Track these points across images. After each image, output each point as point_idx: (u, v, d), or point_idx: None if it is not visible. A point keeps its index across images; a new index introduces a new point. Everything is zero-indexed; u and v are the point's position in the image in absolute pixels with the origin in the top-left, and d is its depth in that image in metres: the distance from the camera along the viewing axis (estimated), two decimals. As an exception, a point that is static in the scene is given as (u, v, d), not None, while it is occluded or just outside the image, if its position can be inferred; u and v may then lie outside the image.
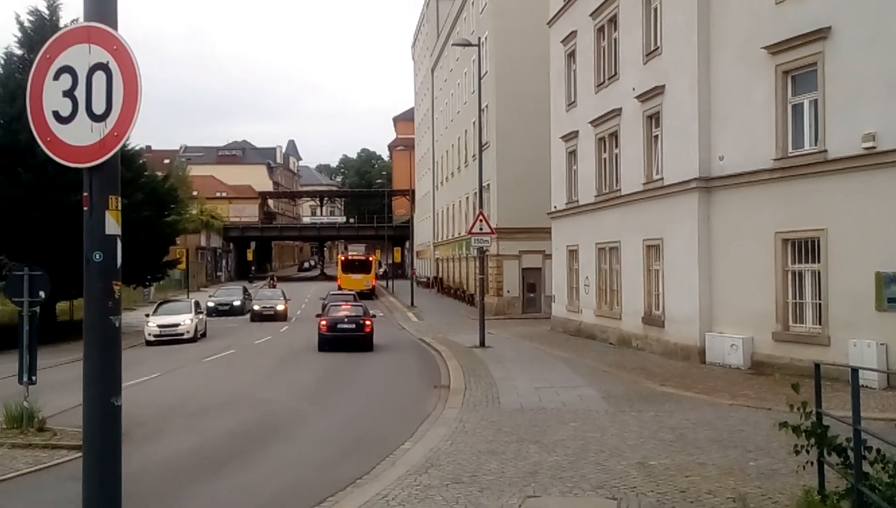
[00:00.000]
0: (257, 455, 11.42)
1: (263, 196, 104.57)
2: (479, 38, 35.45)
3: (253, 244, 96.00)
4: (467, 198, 48.19)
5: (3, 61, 33.25)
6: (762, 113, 17.93)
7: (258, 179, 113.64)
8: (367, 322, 25.89)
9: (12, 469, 10.47)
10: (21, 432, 11.91)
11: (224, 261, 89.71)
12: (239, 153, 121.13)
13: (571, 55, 29.37)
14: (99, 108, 3.73)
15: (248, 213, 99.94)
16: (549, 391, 16.20)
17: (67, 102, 3.76)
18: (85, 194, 3.83)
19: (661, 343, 21.72)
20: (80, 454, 10.62)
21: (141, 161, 37.92)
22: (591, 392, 16.04)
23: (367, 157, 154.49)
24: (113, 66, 3.72)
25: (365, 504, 8.44)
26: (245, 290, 48.38)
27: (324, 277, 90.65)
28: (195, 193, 78.68)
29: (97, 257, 3.76)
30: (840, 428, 6.48)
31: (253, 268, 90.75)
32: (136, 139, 37.11)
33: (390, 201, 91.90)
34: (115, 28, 3.81)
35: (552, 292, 32.71)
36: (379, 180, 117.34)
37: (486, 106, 37.35)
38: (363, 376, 20.53)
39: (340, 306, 27.98)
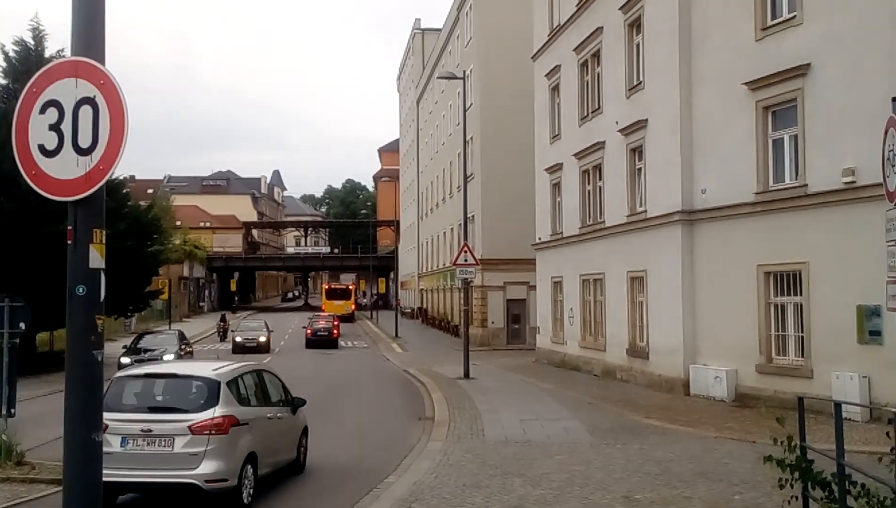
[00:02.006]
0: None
1: (247, 226, 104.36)
2: (465, 71, 35.74)
3: (236, 275, 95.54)
4: (452, 229, 48.35)
5: (-13, 91, 33.13)
6: (743, 147, 18.15)
7: (242, 209, 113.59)
8: (335, 330, 43.12)
9: (-12, 503, 10.30)
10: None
11: (207, 291, 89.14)
12: (223, 183, 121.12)
13: (555, 89, 29.69)
14: (85, 141, 3.74)
15: (231, 243, 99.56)
16: (534, 424, 16.15)
17: (53, 136, 3.77)
18: (69, 227, 3.82)
19: (646, 375, 21.73)
20: (59, 488, 10.51)
21: (125, 191, 37.79)
22: (575, 425, 15.99)
23: (352, 187, 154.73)
24: (100, 100, 3.73)
25: (348, 540, 8.34)
26: (182, 337, 32.23)
27: (307, 307, 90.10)
28: (179, 222, 78.41)
29: (80, 290, 3.75)
30: (824, 462, 6.50)
31: (236, 298, 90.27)
32: (120, 169, 36.68)
33: (375, 232, 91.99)
34: (103, 62, 3.82)
35: (537, 324, 32.72)
36: (364, 211, 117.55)
37: (471, 138, 37.64)
38: (348, 407, 20.39)
39: (319, 320, 44.87)
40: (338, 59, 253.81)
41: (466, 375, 24.80)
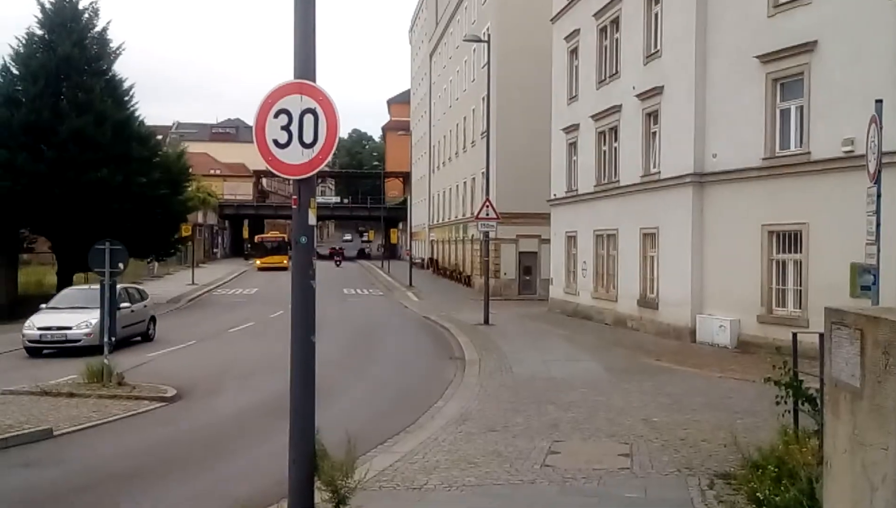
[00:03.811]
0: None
1: (258, 174, 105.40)
2: (488, 34, 36.91)
3: (246, 222, 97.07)
4: (465, 183, 49.80)
5: (24, 42, 34.30)
6: (753, 116, 19.69)
7: (252, 157, 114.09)
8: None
9: (110, 414, 12.22)
10: (103, 385, 13.61)
11: (220, 238, 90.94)
12: (232, 131, 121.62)
13: (574, 52, 31.01)
14: (308, 139, 5.42)
15: (242, 191, 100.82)
16: (556, 364, 18.02)
17: (285, 134, 5.44)
18: (294, 196, 5.50)
19: (655, 324, 23.59)
20: (162, 403, 12.42)
21: (156, 139, 39.07)
22: (593, 365, 17.86)
23: (359, 137, 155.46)
24: (318, 111, 5.40)
25: (421, 444, 10.24)
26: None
27: (317, 256, 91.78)
28: (191, 169, 79.71)
29: (303, 240, 5.46)
30: (812, 385, 8.28)
31: (248, 245, 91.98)
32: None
33: (384, 183, 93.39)
34: (315, 80, 5.49)
35: (550, 275, 34.50)
36: (374, 162, 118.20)
37: (486, 96, 38.94)
38: (383, 348, 22.24)
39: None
40: (346, 9, 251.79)
41: (486, 321, 26.66)
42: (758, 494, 6.83)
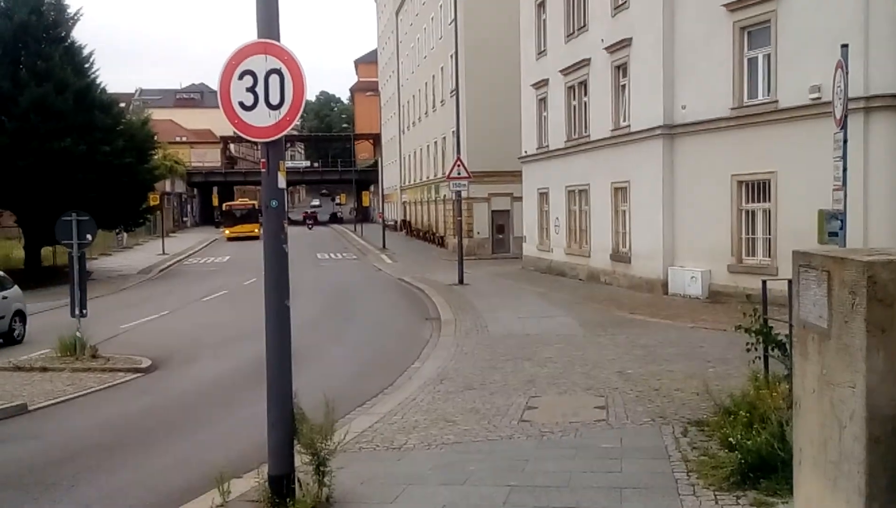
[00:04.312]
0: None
1: (225, 141, 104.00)
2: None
3: (215, 189, 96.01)
4: (436, 142, 49.57)
5: (-20, 10, 33.34)
6: (721, 66, 19.71)
7: (218, 122, 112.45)
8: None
9: (86, 387, 12.15)
10: (76, 359, 13.51)
11: (189, 206, 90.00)
12: (197, 96, 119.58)
13: (541, 5, 30.75)
14: (274, 100, 5.33)
15: (209, 158, 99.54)
16: (531, 320, 18.16)
17: (250, 96, 5.35)
18: (262, 160, 5.43)
19: (628, 278, 23.80)
20: (138, 374, 12.36)
21: (119, 106, 38.40)
22: (568, 320, 18.03)
23: (326, 99, 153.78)
24: (284, 71, 5.31)
25: (400, 405, 10.30)
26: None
27: (288, 222, 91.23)
28: (156, 137, 78.43)
29: (273, 203, 5.40)
30: (780, 330, 8.41)
31: (218, 214, 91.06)
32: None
33: (353, 146, 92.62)
34: (279, 40, 5.38)
35: (523, 233, 34.60)
36: (344, 125, 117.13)
37: (456, 52, 38.58)
38: (359, 310, 22.29)
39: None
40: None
41: (461, 281, 26.74)
42: (730, 439, 6.96)
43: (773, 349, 8.33)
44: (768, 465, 6.27)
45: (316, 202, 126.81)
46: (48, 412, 11.10)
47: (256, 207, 62.63)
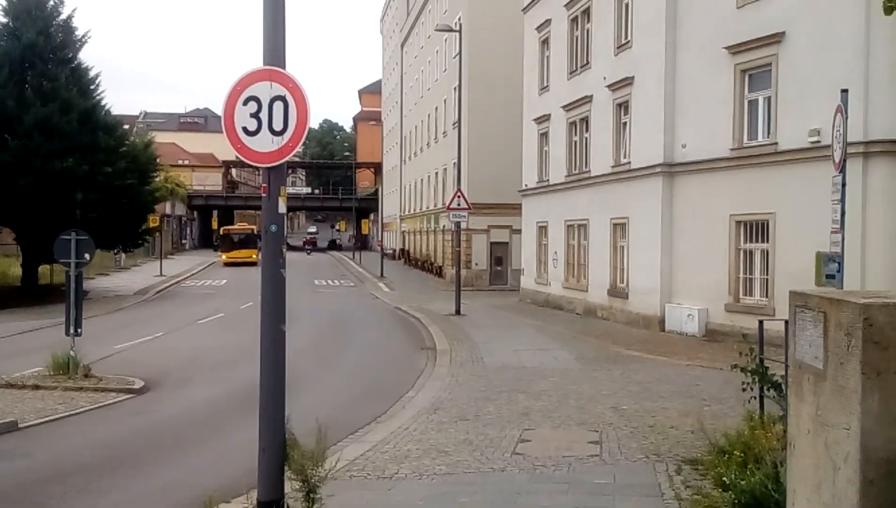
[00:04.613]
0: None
1: (227, 165, 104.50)
2: (459, 24, 36.86)
3: (215, 213, 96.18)
4: (437, 173, 49.77)
5: (-12, 30, 33.61)
6: (721, 106, 19.88)
7: (220, 147, 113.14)
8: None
9: (77, 406, 12.08)
10: (69, 377, 13.44)
11: (189, 229, 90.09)
12: (201, 121, 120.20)
13: (545, 42, 31.07)
14: (278, 126, 5.37)
15: (211, 181, 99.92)
16: (527, 353, 18.11)
17: (254, 121, 5.39)
18: (264, 184, 5.45)
19: (625, 313, 23.78)
20: (130, 395, 12.31)
21: (123, 128, 38.55)
22: (564, 354, 17.98)
23: (329, 127, 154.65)
24: (288, 98, 5.35)
25: (393, 433, 10.24)
26: None
27: (287, 247, 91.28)
28: (159, 159, 78.73)
29: (273, 228, 5.41)
30: (776, 369, 8.41)
31: (217, 237, 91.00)
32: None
33: (355, 173, 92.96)
34: (284, 68, 5.44)
35: (522, 266, 34.63)
36: (345, 153, 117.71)
37: (458, 86, 38.93)
38: (355, 337, 22.21)
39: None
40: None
41: (458, 312, 26.71)
42: (724, 479, 6.93)
43: (768, 390, 8.32)
44: (762, 506, 6.23)
45: (313, 229, 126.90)
46: (39, 431, 11.02)
47: (255, 232, 60.80)
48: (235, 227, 69.67)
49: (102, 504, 7.81)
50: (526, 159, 33.25)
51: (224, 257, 60.67)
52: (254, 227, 66.86)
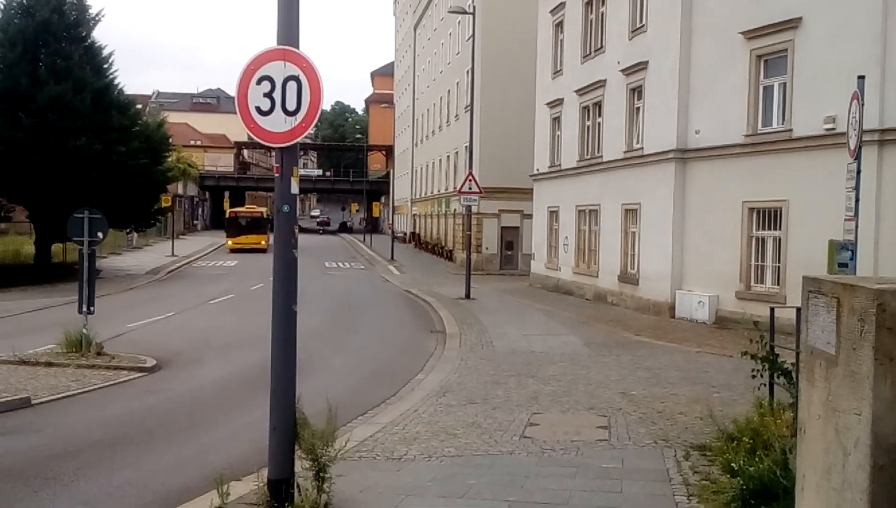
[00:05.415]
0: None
1: (239, 146, 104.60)
2: (473, 6, 36.64)
3: (227, 194, 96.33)
4: (448, 157, 49.67)
5: (2, 6, 33.70)
6: (736, 93, 19.73)
7: (233, 127, 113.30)
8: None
9: (90, 383, 12.18)
10: (82, 355, 13.55)
11: (200, 210, 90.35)
12: (213, 101, 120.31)
13: (559, 25, 30.87)
14: (291, 106, 5.37)
15: (223, 162, 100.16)
16: (536, 338, 18.12)
17: (267, 101, 5.39)
18: (276, 165, 5.46)
19: (635, 299, 23.75)
20: (142, 373, 12.42)
21: (136, 108, 38.60)
22: (573, 339, 17.99)
23: (341, 110, 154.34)
24: (302, 78, 5.35)
25: (402, 415, 10.29)
26: None
27: (299, 229, 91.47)
28: (171, 139, 78.84)
29: (285, 208, 5.43)
30: (787, 357, 8.39)
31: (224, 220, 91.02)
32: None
33: (366, 156, 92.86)
34: (298, 48, 5.43)
35: (532, 250, 34.60)
36: (357, 135, 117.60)
37: (470, 69, 38.76)
38: (365, 320, 22.29)
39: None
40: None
41: (468, 296, 26.72)
42: (732, 465, 6.93)
43: (778, 377, 8.30)
44: (770, 492, 6.23)
45: (315, 212, 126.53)
46: (51, 407, 11.12)
47: (265, 215, 56.74)
48: (243, 209, 62.44)
49: (115, 480, 7.88)
50: (538, 144, 33.14)
51: (230, 242, 55.17)
52: (263, 209, 62.53)
